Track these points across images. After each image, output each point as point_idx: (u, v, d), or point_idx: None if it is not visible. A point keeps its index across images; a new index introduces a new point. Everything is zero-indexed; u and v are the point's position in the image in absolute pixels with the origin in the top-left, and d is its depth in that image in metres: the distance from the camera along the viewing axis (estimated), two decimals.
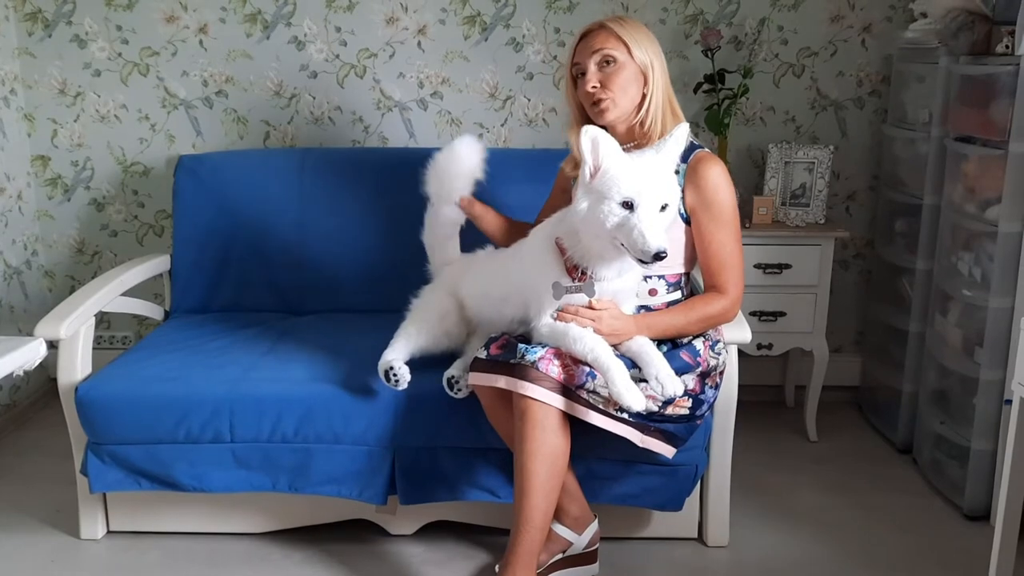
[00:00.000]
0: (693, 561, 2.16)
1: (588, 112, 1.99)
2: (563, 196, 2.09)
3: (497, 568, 1.88)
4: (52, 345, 1.89)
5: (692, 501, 2.15)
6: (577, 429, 1.87)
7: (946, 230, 2.43)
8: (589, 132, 1.76)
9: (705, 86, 2.78)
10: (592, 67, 1.94)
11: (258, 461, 2.09)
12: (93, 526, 2.24)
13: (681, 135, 1.82)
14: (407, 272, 2.34)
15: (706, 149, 1.98)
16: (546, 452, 1.82)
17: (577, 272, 1.86)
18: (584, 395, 1.82)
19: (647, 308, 1.98)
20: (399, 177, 2.59)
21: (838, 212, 2.98)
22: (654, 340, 1.91)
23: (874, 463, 2.64)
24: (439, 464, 2.08)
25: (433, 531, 2.21)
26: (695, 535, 2.23)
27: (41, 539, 2.25)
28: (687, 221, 1.96)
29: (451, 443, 2.07)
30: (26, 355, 1.67)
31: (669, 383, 1.82)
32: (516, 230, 2.20)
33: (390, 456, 2.09)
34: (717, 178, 1.93)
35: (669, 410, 1.87)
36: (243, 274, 2.64)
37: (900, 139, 2.70)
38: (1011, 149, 2.14)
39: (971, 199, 2.31)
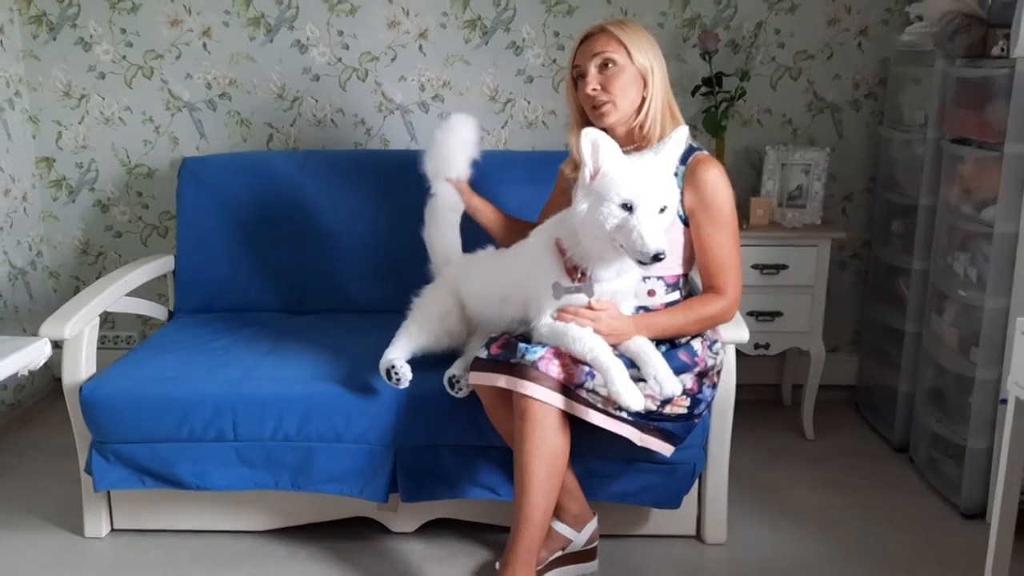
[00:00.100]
0: (691, 559, 2.17)
1: (588, 115, 2.00)
2: (563, 197, 2.10)
3: (497, 565, 1.90)
4: (57, 345, 1.91)
5: (690, 499, 2.17)
6: (577, 428, 1.88)
7: (942, 231, 2.45)
8: (589, 134, 1.78)
9: (703, 89, 2.79)
10: (592, 70, 1.95)
11: (261, 459, 2.11)
12: (97, 524, 2.26)
13: (680, 138, 1.84)
14: (408, 272, 2.35)
15: (704, 151, 2.00)
16: (546, 451, 1.83)
17: (577, 273, 1.88)
18: (583, 394, 1.83)
19: (646, 308, 1.99)
20: (400, 179, 2.60)
21: (835, 213, 2.99)
22: (653, 340, 1.93)
23: (871, 462, 2.65)
24: (440, 462, 2.10)
25: (434, 528, 2.23)
26: (693, 533, 2.24)
27: (45, 537, 2.27)
28: (685, 222, 1.98)
29: (452, 441, 2.09)
30: (31, 355, 1.69)
31: (667, 383, 1.83)
32: (515, 226, 2.22)
33: (391, 454, 2.10)
34: (715, 180, 1.94)
35: (667, 409, 1.88)
36: (246, 274, 2.65)
37: (896, 141, 2.72)
38: (1007, 151, 2.15)
39: (967, 200, 2.33)
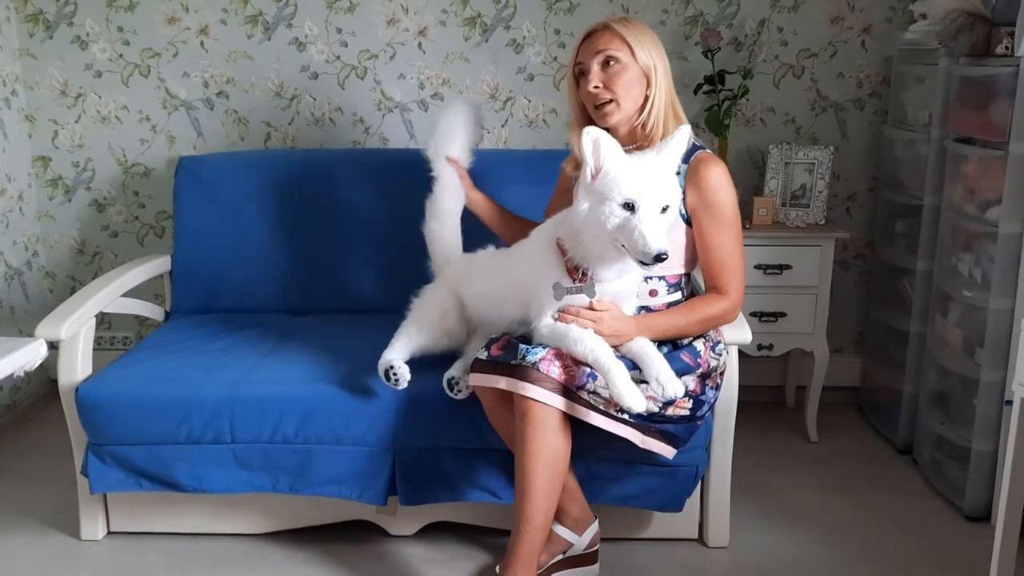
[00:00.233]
0: (694, 562, 2.16)
1: (590, 113, 1.99)
2: (566, 196, 2.09)
3: (498, 569, 1.88)
4: (53, 346, 1.89)
5: (692, 502, 2.15)
6: (578, 430, 1.87)
7: (946, 231, 2.43)
8: (590, 133, 1.76)
9: (705, 87, 2.78)
10: (595, 67, 1.94)
11: (259, 462, 2.09)
12: (94, 527, 2.24)
13: (682, 137, 1.82)
14: (407, 273, 2.34)
15: (707, 150, 1.98)
16: (547, 453, 1.82)
17: (578, 273, 1.86)
18: (585, 396, 1.82)
19: (648, 309, 1.98)
20: (400, 178, 2.60)
21: (838, 213, 2.98)
22: (655, 341, 1.91)
23: (874, 464, 2.64)
24: (440, 465, 2.09)
25: (434, 532, 2.21)
26: (696, 536, 2.23)
27: (42, 540, 2.25)
28: (688, 222, 1.96)
29: (452, 444, 2.08)
30: (27, 356, 1.67)
31: (669, 384, 1.82)
32: (515, 223, 2.22)
33: (391, 457, 2.09)
34: (718, 179, 1.93)
35: (670, 411, 1.87)
36: (244, 275, 2.64)
37: (900, 140, 2.70)
38: (1011, 150, 2.14)
39: (971, 200, 2.32)
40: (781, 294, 2.70)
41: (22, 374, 1.68)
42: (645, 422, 1.85)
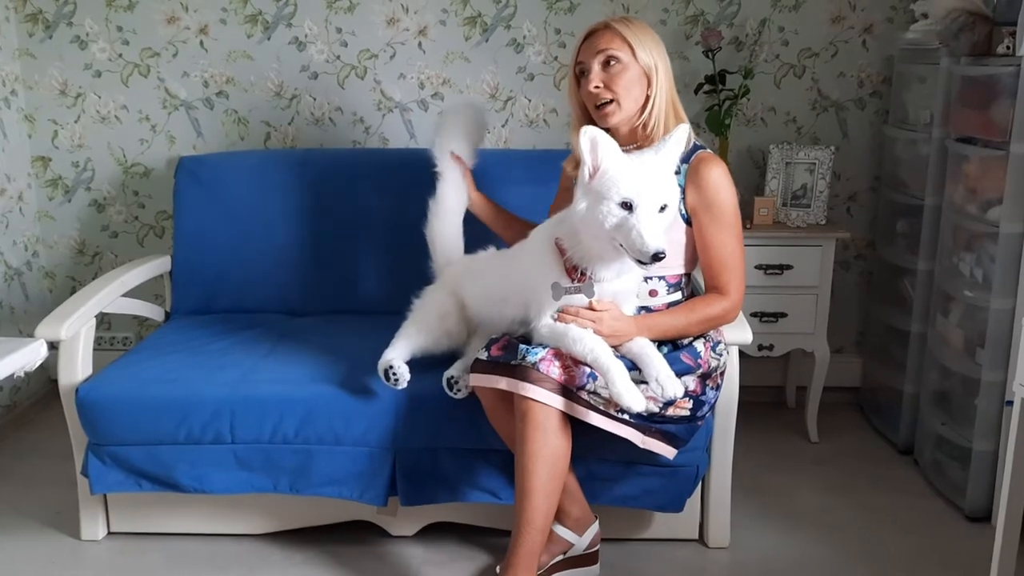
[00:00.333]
0: (694, 562, 2.16)
1: (591, 112, 1.98)
2: (568, 196, 2.08)
3: (498, 569, 1.88)
4: (53, 346, 1.89)
5: (693, 502, 2.15)
6: (578, 430, 1.87)
7: (947, 231, 2.43)
8: (588, 132, 1.76)
9: (706, 87, 2.77)
10: (596, 67, 1.93)
11: (259, 462, 2.09)
12: (94, 527, 2.24)
13: (681, 136, 1.82)
14: (408, 273, 2.33)
15: (708, 150, 1.98)
16: (547, 453, 1.82)
17: (576, 273, 1.86)
18: (585, 396, 1.81)
19: (648, 309, 1.97)
20: (400, 178, 2.60)
21: (839, 213, 2.97)
22: (655, 341, 1.91)
23: (875, 464, 2.63)
24: (440, 465, 2.08)
25: (434, 532, 2.21)
26: (696, 536, 2.22)
27: (42, 540, 2.25)
28: (688, 222, 1.96)
29: (452, 444, 2.07)
30: (27, 356, 1.67)
31: (669, 385, 1.81)
32: (515, 223, 2.21)
33: (391, 457, 2.08)
34: (718, 179, 1.92)
35: (670, 411, 1.87)
36: (244, 275, 2.63)
37: (901, 140, 2.70)
38: (1012, 150, 2.13)
39: (972, 200, 2.31)
40: (782, 294, 2.69)
41: (22, 374, 1.68)
42: (645, 422, 1.85)
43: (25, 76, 2.92)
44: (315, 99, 2.92)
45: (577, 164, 2.01)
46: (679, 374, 1.86)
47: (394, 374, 1.97)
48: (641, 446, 1.86)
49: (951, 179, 2.40)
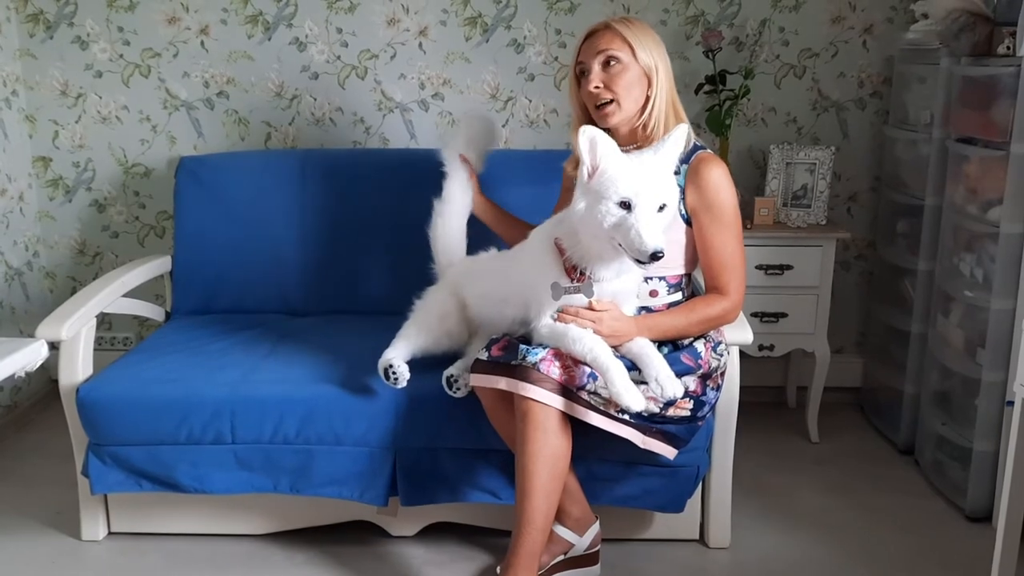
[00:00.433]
0: (694, 562, 2.16)
1: (591, 112, 1.98)
2: (570, 196, 2.08)
3: (498, 570, 1.88)
4: (53, 346, 1.89)
5: (693, 502, 2.15)
6: (578, 430, 1.87)
7: (948, 231, 2.43)
8: (587, 132, 1.76)
9: (706, 87, 2.77)
10: (596, 67, 1.93)
11: (259, 462, 2.09)
12: (94, 527, 2.24)
13: (680, 135, 1.82)
14: (408, 273, 2.34)
15: (708, 150, 1.98)
16: (547, 454, 1.82)
17: (576, 273, 1.86)
18: (585, 396, 1.81)
19: (648, 309, 1.97)
20: (400, 178, 2.60)
21: (839, 213, 2.97)
22: (655, 341, 1.91)
23: (876, 464, 2.63)
24: (440, 465, 2.08)
25: (434, 532, 2.21)
26: (696, 536, 2.22)
27: (42, 541, 2.25)
28: (688, 222, 1.96)
29: (452, 444, 2.07)
30: (27, 356, 1.67)
31: (669, 385, 1.81)
32: (515, 223, 2.22)
33: (391, 457, 2.08)
34: (718, 179, 1.92)
35: (670, 411, 1.87)
36: (244, 275, 2.63)
37: (902, 140, 2.70)
38: (1012, 150, 2.13)
39: (973, 200, 2.31)
40: (782, 294, 2.69)
41: (23, 375, 1.68)
42: (646, 422, 1.85)
43: (26, 76, 2.92)
44: (316, 99, 2.92)
45: (577, 164, 2.02)
46: (679, 375, 1.86)
47: (394, 373, 1.97)
48: (641, 446, 1.86)
49: (951, 179, 2.40)
